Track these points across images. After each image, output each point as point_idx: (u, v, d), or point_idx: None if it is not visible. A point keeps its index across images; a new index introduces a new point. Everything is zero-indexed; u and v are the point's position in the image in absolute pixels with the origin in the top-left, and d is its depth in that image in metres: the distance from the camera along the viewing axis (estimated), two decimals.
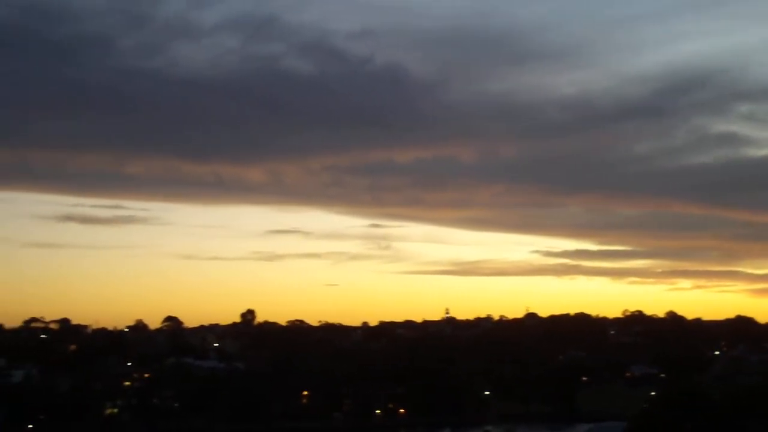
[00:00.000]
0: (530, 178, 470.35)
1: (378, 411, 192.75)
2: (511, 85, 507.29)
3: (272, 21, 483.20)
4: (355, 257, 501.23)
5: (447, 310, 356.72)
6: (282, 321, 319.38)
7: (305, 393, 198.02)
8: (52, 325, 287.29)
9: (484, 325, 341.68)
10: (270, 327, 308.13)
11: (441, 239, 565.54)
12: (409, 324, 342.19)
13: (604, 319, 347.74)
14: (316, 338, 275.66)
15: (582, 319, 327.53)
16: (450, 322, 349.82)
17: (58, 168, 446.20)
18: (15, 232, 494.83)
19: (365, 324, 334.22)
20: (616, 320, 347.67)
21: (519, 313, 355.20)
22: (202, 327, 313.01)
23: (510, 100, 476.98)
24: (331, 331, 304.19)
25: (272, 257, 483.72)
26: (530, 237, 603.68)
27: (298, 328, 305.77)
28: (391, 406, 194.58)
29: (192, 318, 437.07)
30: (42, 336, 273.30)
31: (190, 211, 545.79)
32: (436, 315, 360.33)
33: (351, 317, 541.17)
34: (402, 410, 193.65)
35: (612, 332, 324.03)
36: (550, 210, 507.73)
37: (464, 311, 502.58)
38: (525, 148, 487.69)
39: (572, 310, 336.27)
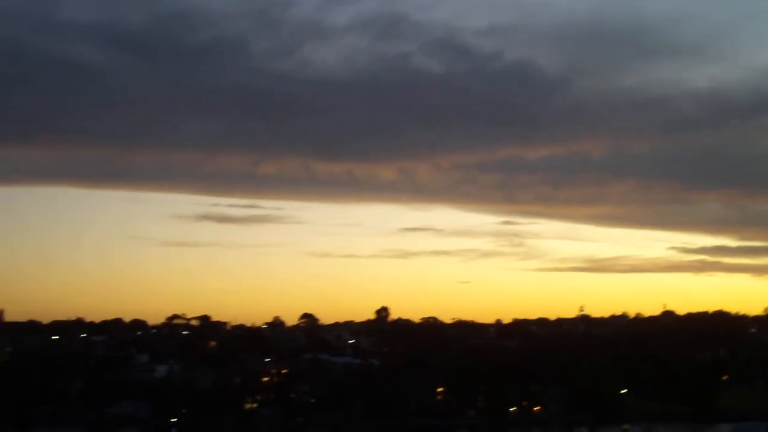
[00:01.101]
0: (664, 173, 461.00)
1: (512, 408, 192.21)
2: (643, 79, 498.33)
3: (401, 20, 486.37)
4: (486, 254, 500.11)
5: (581, 307, 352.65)
6: (415, 318, 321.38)
7: (439, 389, 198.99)
8: (193, 322, 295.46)
9: (619, 323, 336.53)
10: (404, 324, 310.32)
11: (574, 236, 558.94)
12: (542, 321, 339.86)
13: (745, 317, 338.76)
14: (449, 335, 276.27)
15: (721, 316, 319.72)
16: (584, 320, 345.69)
17: (196, 168, 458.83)
18: (155, 231, 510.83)
19: (498, 321, 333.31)
20: (757, 318, 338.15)
21: (655, 311, 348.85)
22: (337, 324, 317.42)
23: (642, 95, 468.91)
24: (464, 328, 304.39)
25: (405, 255, 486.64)
26: (666, 233, 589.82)
27: (431, 325, 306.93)
28: (525, 403, 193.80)
29: (327, 315, 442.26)
30: (183, 332, 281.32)
31: (324, 209, 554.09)
32: (570, 312, 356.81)
33: (484, 314, 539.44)
34: (536, 408, 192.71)
35: (753, 330, 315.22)
36: (686, 206, 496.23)
37: (599, 308, 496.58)
38: (658, 143, 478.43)
39: (711, 308, 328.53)
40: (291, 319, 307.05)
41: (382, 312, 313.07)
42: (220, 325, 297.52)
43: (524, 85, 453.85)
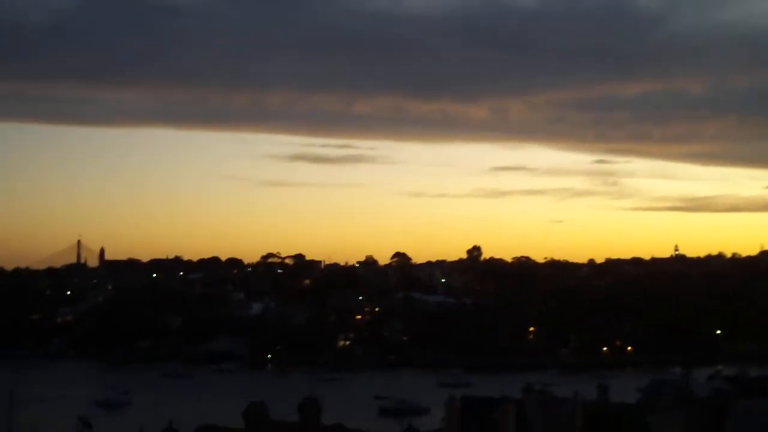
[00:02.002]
0: (764, 110, 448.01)
1: (605, 348, 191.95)
2: (744, 12, 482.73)
3: None
4: (579, 194, 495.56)
5: (676, 246, 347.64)
6: (507, 257, 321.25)
7: (531, 329, 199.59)
8: (288, 261, 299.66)
9: (715, 263, 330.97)
10: (496, 263, 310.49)
11: (669, 175, 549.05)
12: (636, 261, 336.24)
13: None
14: (541, 275, 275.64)
15: None
16: (679, 260, 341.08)
17: (291, 109, 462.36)
18: (250, 171, 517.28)
19: (591, 261, 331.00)
20: None
21: (753, 251, 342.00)
22: (429, 263, 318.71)
23: (742, 28, 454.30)
24: (556, 268, 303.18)
25: (497, 194, 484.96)
26: (764, 171, 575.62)
27: (523, 264, 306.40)
28: (618, 343, 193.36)
29: (420, 254, 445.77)
30: (278, 271, 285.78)
31: (416, 149, 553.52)
32: (665, 252, 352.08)
33: (576, 254, 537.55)
34: (629, 348, 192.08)
35: None
36: None
37: (694, 248, 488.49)
38: (758, 78, 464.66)
39: None
40: (383, 257, 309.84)
41: (474, 251, 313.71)
42: (314, 264, 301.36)
43: (620, 20, 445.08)
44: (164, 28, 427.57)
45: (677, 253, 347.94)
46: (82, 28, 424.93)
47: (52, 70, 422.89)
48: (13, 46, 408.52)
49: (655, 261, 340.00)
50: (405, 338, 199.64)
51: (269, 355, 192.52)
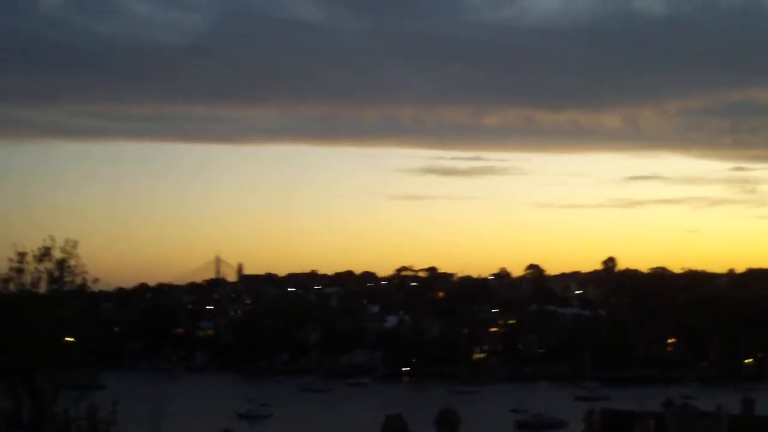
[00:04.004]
0: None
1: (747, 360, 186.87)
2: None
3: None
4: (716, 202, 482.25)
5: None
6: (643, 268, 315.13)
7: (669, 340, 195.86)
8: (421, 274, 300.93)
9: None
10: (631, 274, 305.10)
11: None
12: None
13: None
14: (678, 285, 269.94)
15: None
16: None
17: (420, 122, 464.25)
18: (382, 185, 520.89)
19: (731, 271, 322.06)
20: None
21: None
22: (563, 274, 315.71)
23: None
24: (694, 278, 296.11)
25: (631, 204, 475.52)
26: None
27: (660, 275, 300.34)
28: (760, 356, 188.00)
29: (553, 265, 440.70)
30: (412, 284, 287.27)
31: (547, 159, 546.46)
32: None
33: (714, 264, 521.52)
34: None
35: None
36: None
37: None
38: None
39: None
40: (517, 269, 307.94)
41: (609, 262, 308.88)
42: (447, 277, 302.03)
43: (754, 23, 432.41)
44: (294, 44, 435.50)
45: None
46: (216, 48, 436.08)
47: (187, 91, 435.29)
48: (150, 69, 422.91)
49: None
50: (540, 351, 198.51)
51: (405, 368, 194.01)
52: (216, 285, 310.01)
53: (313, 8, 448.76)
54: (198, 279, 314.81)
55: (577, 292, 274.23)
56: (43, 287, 31.16)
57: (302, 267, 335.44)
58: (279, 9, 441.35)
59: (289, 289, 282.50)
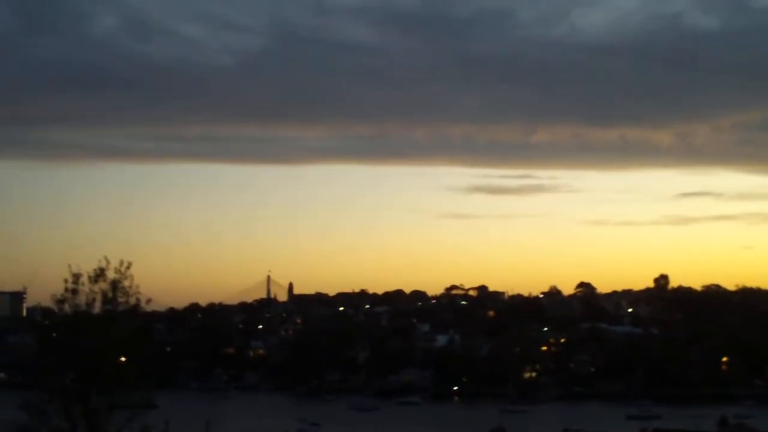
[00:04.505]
0: None
1: None
2: None
3: None
4: None
5: None
6: (696, 285, 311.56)
7: (724, 359, 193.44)
8: (471, 292, 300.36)
9: None
10: (684, 291, 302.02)
11: None
12: None
13: None
14: (733, 302, 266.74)
15: None
16: None
17: (468, 140, 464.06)
18: (431, 204, 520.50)
19: None
20: None
21: None
22: (614, 292, 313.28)
23: None
24: (748, 295, 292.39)
25: (683, 221, 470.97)
26: None
27: (713, 292, 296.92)
28: None
29: (604, 283, 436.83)
30: (462, 302, 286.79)
31: (598, 177, 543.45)
32: None
33: None
34: None
35: None
36: None
37: None
38: None
39: None
40: (567, 288, 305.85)
41: (661, 280, 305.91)
42: (497, 295, 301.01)
43: None
44: (343, 64, 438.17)
45: None
46: (265, 69, 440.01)
47: (238, 111, 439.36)
48: (200, 90, 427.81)
49: None
50: (592, 369, 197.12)
51: (455, 387, 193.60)
52: (267, 305, 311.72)
53: (362, 29, 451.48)
54: (249, 299, 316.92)
55: (629, 310, 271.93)
56: (97, 308, 31.79)
57: (352, 286, 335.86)
58: (328, 30, 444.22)
59: (339, 309, 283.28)
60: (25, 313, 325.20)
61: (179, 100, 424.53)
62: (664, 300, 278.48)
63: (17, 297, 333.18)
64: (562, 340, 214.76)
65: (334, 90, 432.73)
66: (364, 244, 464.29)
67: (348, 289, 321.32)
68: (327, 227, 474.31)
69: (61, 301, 31.82)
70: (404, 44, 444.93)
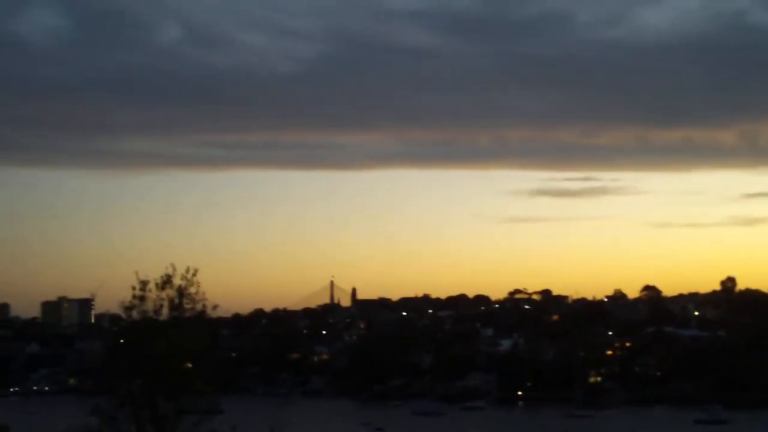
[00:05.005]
0: None
1: None
2: None
3: None
4: None
5: None
6: (764, 287, 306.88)
7: None
8: (535, 296, 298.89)
9: None
10: (752, 294, 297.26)
11: None
12: None
13: None
14: None
15: None
16: None
17: (530, 143, 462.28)
18: (494, 208, 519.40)
19: None
20: None
21: None
22: (681, 295, 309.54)
23: None
24: None
25: (749, 221, 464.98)
26: None
27: None
28: None
29: (670, 286, 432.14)
30: (525, 307, 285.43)
31: (662, 178, 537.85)
32: None
33: None
34: None
35: None
36: None
37: None
38: None
39: None
40: (632, 291, 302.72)
41: (728, 282, 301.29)
42: (561, 299, 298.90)
43: None
44: (405, 70, 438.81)
45: None
46: (328, 75, 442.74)
47: (300, 118, 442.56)
48: (263, 97, 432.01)
49: None
50: (658, 374, 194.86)
51: (519, 392, 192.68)
52: (330, 310, 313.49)
53: (422, 33, 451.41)
54: (313, 304, 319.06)
55: (695, 313, 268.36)
56: (164, 314, 32.38)
57: (415, 291, 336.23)
58: (388, 35, 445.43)
59: (402, 314, 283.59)
60: (93, 319, 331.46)
61: (242, 108, 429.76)
62: (731, 303, 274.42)
63: (86, 304, 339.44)
64: (628, 344, 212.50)
65: (395, 95, 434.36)
66: (427, 249, 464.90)
67: (411, 294, 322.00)
68: (390, 233, 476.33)
69: (129, 308, 32.47)
70: (464, 48, 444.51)
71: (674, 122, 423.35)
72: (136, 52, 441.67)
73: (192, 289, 32.45)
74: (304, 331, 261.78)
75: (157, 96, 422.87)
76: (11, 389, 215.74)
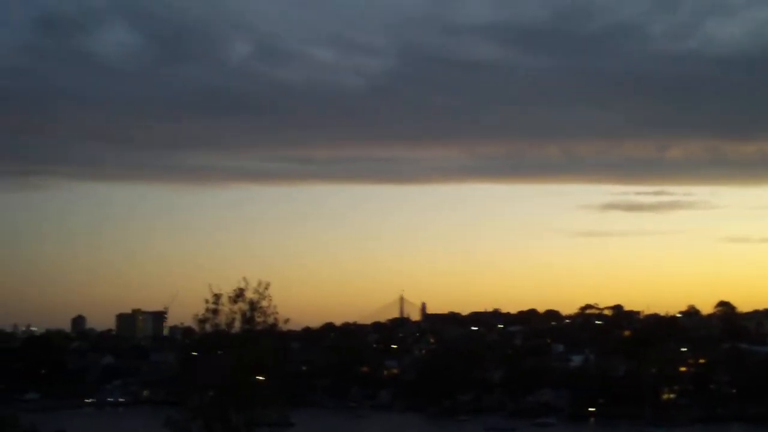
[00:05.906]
0: None
1: None
2: None
3: None
4: None
5: None
6: None
7: None
8: (606, 312, 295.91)
9: None
10: None
11: None
12: None
13: None
14: None
15: None
16: None
17: (602, 158, 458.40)
18: (564, 222, 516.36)
19: None
20: None
21: None
22: (756, 311, 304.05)
23: None
24: None
25: None
26: None
27: None
28: None
29: (746, 302, 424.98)
30: (597, 322, 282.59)
31: (736, 192, 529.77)
32: None
33: None
34: None
35: None
36: None
37: None
38: None
39: None
40: (706, 307, 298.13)
41: None
42: (633, 314, 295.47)
43: None
44: (473, 84, 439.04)
45: None
46: (395, 90, 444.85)
47: (369, 132, 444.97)
48: (332, 112, 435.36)
49: None
50: (733, 391, 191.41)
51: (591, 408, 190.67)
52: (400, 324, 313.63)
53: (490, 48, 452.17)
54: (382, 318, 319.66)
55: None
56: (236, 327, 32.85)
57: (485, 305, 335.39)
58: (456, 50, 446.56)
59: (472, 328, 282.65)
60: (166, 332, 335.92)
61: (312, 122, 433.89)
62: None
63: (159, 317, 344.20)
64: (702, 361, 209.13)
65: (464, 109, 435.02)
66: (497, 264, 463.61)
67: (481, 309, 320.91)
68: (460, 247, 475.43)
69: (202, 321, 33.02)
70: (533, 62, 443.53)
71: (748, 135, 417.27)
72: (206, 68, 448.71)
73: (264, 303, 32.92)
74: (374, 345, 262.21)
75: (225, 111, 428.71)
76: (86, 400, 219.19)
